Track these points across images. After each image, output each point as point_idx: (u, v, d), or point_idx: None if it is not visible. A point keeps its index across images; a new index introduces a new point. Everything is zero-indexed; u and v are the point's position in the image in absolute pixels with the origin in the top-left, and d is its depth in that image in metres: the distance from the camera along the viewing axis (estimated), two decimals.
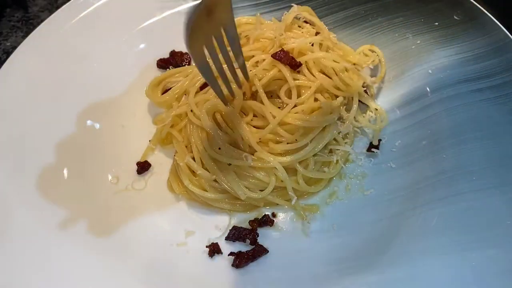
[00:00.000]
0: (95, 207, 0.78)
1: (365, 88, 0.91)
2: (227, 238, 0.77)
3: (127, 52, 0.95)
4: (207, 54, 0.64)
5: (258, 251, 0.75)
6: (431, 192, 0.76)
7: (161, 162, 0.87)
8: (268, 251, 0.76)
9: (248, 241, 0.77)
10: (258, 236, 0.78)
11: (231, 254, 0.75)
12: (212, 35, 0.64)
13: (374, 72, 0.94)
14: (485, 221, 0.69)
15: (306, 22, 0.93)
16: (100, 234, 0.74)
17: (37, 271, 0.67)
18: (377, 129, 0.88)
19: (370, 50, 0.95)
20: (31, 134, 0.79)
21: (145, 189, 0.83)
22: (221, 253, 0.76)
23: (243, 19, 0.97)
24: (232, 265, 0.74)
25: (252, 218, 0.80)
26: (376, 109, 0.90)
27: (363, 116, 0.89)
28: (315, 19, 0.92)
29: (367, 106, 0.91)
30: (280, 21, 0.93)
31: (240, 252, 0.75)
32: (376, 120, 0.89)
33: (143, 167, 0.85)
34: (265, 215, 0.80)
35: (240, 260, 0.74)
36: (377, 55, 0.94)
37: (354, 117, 0.88)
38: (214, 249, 0.75)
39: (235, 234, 0.77)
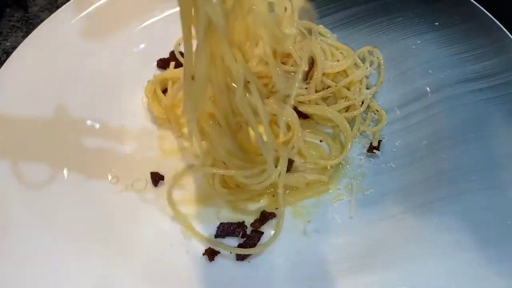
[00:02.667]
0: (95, 207, 0.77)
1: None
2: (216, 236, 0.77)
3: (127, 52, 0.94)
4: None
5: (257, 236, 0.74)
6: (431, 192, 0.76)
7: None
8: (263, 233, 0.76)
9: (240, 233, 0.76)
10: (246, 228, 0.77)
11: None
12: None
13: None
14: (485, 221, 0.69)
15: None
16: (99, 234, 0.74)
17: (37, 271, 0.66)
18: (377, 130, 0.88)
19: (369, 51, 0.94)
20: (31, 134, 0.79)
21: (145, 189, 0.83)
22: (219, 252, 0.75)
23: None
24: (237, 259, 0.74)
25: (251, 221, 0.79)
26: (377, 110, 0.90)
27: (364, 120, 0.90)
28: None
29: (369, 107, 0.91)
30: None
31: (240, 244, 0.75)
32: (377, 121, 0.89)
33: (155, 179, 0.83)
34: (263, 211, 0.79)
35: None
36: (377, 58, 0.94)
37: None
38: (211, 253, 0.75)
39: (223, 230, 0.76)
